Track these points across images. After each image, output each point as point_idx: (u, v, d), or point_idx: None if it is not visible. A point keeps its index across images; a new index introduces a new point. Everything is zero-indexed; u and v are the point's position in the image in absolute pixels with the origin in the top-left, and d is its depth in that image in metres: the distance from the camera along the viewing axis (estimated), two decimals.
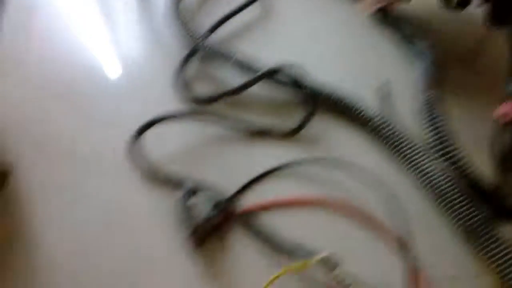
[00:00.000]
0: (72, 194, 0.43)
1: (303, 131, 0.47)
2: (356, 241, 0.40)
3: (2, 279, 0.38)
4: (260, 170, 0.44)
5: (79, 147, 0.46)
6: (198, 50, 0.51)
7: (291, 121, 0.47)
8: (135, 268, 0.39)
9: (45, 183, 0.43)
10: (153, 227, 0.41)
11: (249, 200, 0.42)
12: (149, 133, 0.45)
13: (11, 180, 0.43)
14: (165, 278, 0.38)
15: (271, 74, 0.47)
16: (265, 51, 0.52)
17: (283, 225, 0.41)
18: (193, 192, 0.40)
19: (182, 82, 0.49)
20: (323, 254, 0.37)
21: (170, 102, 0.49)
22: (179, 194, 0.41)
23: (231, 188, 0.42)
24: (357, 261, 0.38)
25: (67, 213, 0.42)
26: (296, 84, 0.47)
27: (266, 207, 0.42)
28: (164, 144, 0.45)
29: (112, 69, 0.53)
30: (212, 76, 0.52)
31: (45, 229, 0.41)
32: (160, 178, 0.43)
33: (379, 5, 0.54)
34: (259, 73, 0.47)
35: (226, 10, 0.56)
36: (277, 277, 0.36)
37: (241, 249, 0.40)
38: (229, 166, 0.45)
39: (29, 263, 0.39)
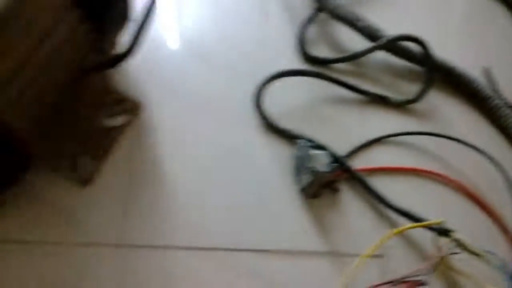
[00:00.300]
0: (195, 135, 0.46)
1: (418, 103, 0.47)
2: (463, 216, 0.41)
3: (131, 204, 0.42)
4: (372, 135, 0.45)
5: (204, 95, 0.48)
6: (322, 11, 0.52)
7: (407, 92, 0.47)
8: (250, 207, 0.42)
9: (173, 122, 0.46)
10: (269, 174, 0.43)
11: (360, 163, 0.44)
12: (271, 87, 0.47)
13: (142, 114, 0.47)
14: (276, 222, 0.41)
15: (393, 43, 0.48)
16: (386, 21, 0.52)
17: (391, 190, 0.42)
18: (310, 147, 0.42)
19: (304, 42, 0.50)
20: (435, 220, 0.38)
21: (292, 61, 0.50)
22: (296, 147, 0.43)
23: (342, 148, 0.44)
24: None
25: (190, 150, 0.45)
26: (416, 56, 0.47)
27: (376, 171, 0.43)
28: (284, 99, 0.47)
29: (239, 28, 0.55)
30: (333, 39, 0.53)
31: (171, 161, 0.44)
32: (279, 131, 0.45)
33: None
34: (381, 41, 0.47)
35: None
36: (388, 237, 0.38)
37: (352, 206, 0.42)
38: (342, 127, 0.46)
39: (155, 192, 0.43)
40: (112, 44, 0.43)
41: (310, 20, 0.52)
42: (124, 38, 0.42)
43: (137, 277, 0.39)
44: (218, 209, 0.42)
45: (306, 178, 0.40)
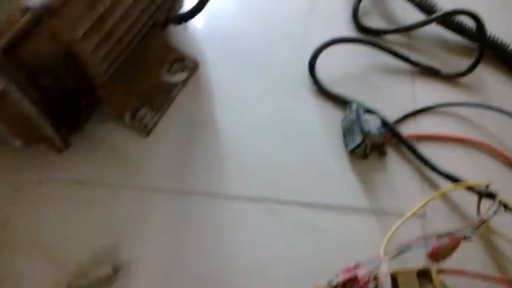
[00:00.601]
0: (250, 95, 0.48)
1: (467, 77, 0.48)
2: (506, 185, 0.42)
3: (188, 154, 0.45)
4: (421, 105, 0.47)
5: (258, 58, 0.50)
6: None
7: (457, 66, 0.49)
8: (300, 163, 0.44)
9: (229, 81, 0.49)
10: (320, 135, 0.46)
11: (408, 129, 0.45)
12: (325, 53, 0.48)
13: (200, 72, 0.49)
14: (324, 179, 0.43)
15: (448, 17, 0.49)
16: None
17: (437, 157, 0.44)
18: (362, 110, 0.44)
19: (358, 12, 0.52)
20: (478, 182, 0.39)
21: (345, 30, 0.52)
22: (348, 110, 0.45)
23: (391, 115, 0.45)
24: None
25: (244, 108, 0.47)
26: (470, 31, 0.48)
27: (424, 138, 0.45)
28: (337, 66, 0.49)
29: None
30: (387, 11, 0.54)
31: (226, 117, 0.47)
32: (331, 96, 0.47)
33: None
34: (437, 14, 0.48)
35: None
36: (433, 198, 0.40)
37: (398, 169, 0.44)
38: (392, 96, 0.48)
39: (211, 145, 0.45)
40: (181, 2, 0.46)
41: None
42: None
43: (190, 222, 0.42)
44: (269, 163, 0.44)
45: (356, 139, 0.42)
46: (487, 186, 0.39)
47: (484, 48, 0.47)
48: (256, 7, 0.54)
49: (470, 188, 0.40)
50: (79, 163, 0.44)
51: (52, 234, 0.41)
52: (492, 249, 0.40)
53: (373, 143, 0.43)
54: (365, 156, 0.43)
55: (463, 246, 0.37)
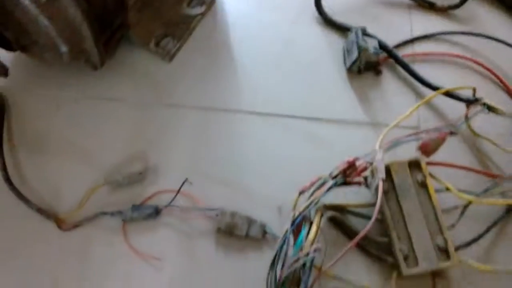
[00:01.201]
0: (261, 25, 0.53)
1: (461, 9, 0.53)
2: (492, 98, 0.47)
3: (207, 76, 0.50)
4: (417, 34, 0.51)
5: None
6: None
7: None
8: (307, 83, 0.50)
9: (242, 14, 0.54)
10: (323, 58, 0.51)
11: (404, 53, 0.50)
12: None
13: (217, 6, 0.54)
14: (327, 96, 0.49)
15: None
16: None
17: (429, 74, 0.48)
18: (362, 34, 0.48)
19: None
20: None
21: None
22: (350, 33, 0.49)
23: (389, 42, 0.50)
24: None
25: (257, 36, 0.53)
26: None
27: (418, 56, 0.50)
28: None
29: None
30: None
31: (240, 44, 0.52)
32: (334, 24, 0.52)
33: None
34: None
35: None
36: (419, 105, 0.44)
37: (391, 85, 0.49)
38: (391, 25, 0.53)
39: (227, 68, 0.51)
40: None
41: None
42: None
43: (208, 133, 0.47)
44: (279, 84, 0.50)
45: (353, 56, 0.47)
46: (474, 90, 0.43)
47: None
48: None
49: (458, 98, 0.45)
50: (111, 83, 0.49)
51: (89, 142, 0.47)
52: (476, 150, 0.45)
53: (368, 60, 0.48)
54: (359, 71, 0.48)
55: (451, 145, 0.42)
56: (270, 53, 0.51)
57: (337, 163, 0.40)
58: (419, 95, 0.48)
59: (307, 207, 0.37)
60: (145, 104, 0.49)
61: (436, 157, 0.41)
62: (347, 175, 0.39)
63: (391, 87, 0.49)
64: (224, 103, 0.49)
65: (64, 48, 0.40)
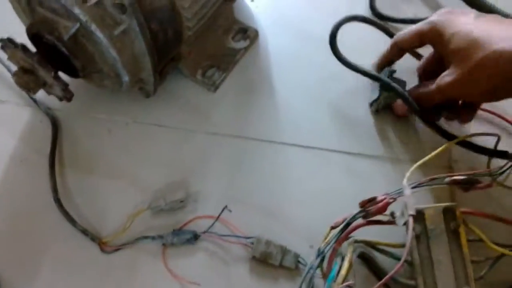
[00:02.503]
0: (300, 61, 0.56)
1: None
2: None
3: (249, 107, 0.53)
4: None
5: (304, 30, 0.58)
6: None
7: None
8: (343, 120, 0.52)
9: (282, 50, 0.57)
10: (354, 98, 0.53)
11: None
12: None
13: (260, 41, 0.57)
14: (362, 133, 0.51)
15: None
16: None
17: None
18: (389, 74, 0.49)
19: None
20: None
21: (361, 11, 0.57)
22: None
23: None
24: None
25: (295, 72, 0.55)
26: None
27: None
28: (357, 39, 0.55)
29: None
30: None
31: (280, 78, 0.55)
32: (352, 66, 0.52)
33: None
34: None
35: None
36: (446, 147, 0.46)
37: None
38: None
39: (268, 100, 0.53)
40: None
41: None
42: None
43: (247, 162, 0.50)
44: (314, 118, 0.52)
45: (375, 95, 0.50)
46: (499, 138, 0.43)
47: None
48: None
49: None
50: (160, 109, 0.53)
51: (136, 166, 0.50)
52: (507, 201, 0.46)
53: (388, 103, 0.50)
54: (377, 111, 0.51)
55: (485, 193, 0.43)
56: (307, 89, 0.54)
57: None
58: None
59: (334, 241, 0.39)
60: (189, 131, 0.52)
61: (470, 204, 0.42)
62: (368, 211, 0.40)
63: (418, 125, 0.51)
64: (264, 133, 0.51)
65: (126, 78, 0.43)
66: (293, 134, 0.51)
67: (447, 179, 0.41)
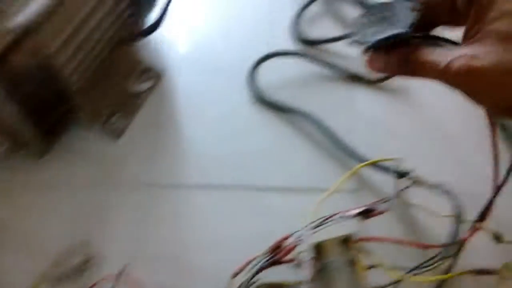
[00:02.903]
0: (205, 99, 0.56)
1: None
2: None
3: (155, 152, 0.52)
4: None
5: (215, 66, 0.58)
6: None
7: None
8: (250, 154, 0.52)
9: (189, 88, 0.56)
10: (256, 134, 0.53)
11: None
12: (265, 64, 0.56)
13: (164, 81, 0.56)
14: (270, 165, 0.51)
15: None
16: None
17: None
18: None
19: (297, 24, 0.59)
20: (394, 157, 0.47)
21: (287, 41, 0.60)
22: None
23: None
24: None
25: (200, 111, 0.55)
26: None
27: None
28: (276, 75, 0.57)
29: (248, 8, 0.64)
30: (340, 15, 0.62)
31: (186, 118, 0.54)
32: (268, 103, 0.54)
33: None
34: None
35: None
36: (352, 173, 0.47)
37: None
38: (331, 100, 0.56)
39: (175, 142, 0.53)
40: (144, 19, 0.53)
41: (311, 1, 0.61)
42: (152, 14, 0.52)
43: (157, 213, 0.48)
44: (222, 156, 0.52)
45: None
46: (399, 163, 0.46)
47: None
48: (216, 19, 0.62)
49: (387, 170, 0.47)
50: (56, 167, 0.50)
51: (33, 231, 0.47)
52: (409, 219, 0.47)
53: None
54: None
55: (384, 217, 0.44)
56: (215, 126, 0.54)
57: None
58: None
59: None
60: (90, 187, 0.49)
61: (371, 230, 0.43)
62: (275, 254, 0.40)
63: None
64: (171, 178, 0.50)
65: (5, 146, 0.41)
66: (201, 175, 0.50)
67: (342, 215, 0.42)
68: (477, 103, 0.30)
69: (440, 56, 0.29)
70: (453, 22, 0.31)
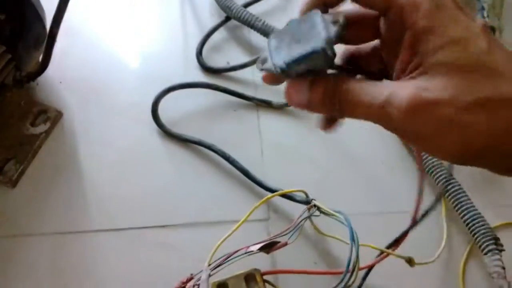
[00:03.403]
0: (108, 138, 0.54)
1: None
2: None
3: (54, 198, 0.49)
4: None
5: (116, 102, 0.56)
6: (228, 21, 0.62)
7: None
8: (153, 194, 0.50)
9: (90, 127, 0.54)
10: (163, 170, 0.52)
11: None
12: (170, 96, 0.54)
13: (63, 121, 0.54)
14: (177, 203, 0.50)
15: None
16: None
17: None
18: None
19: (201, 54, 0.59)
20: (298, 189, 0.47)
21: (193, 70, 0.59)
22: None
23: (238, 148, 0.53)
24: None
25: (102, 150, 0.53)
26: None
27: None
28: (181, 106, 0.56)
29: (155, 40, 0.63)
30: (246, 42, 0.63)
31: (87, 161, 0.52)
32: (173, 134, 0.53)
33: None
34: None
35: None
36: (258, 206, 0.47)
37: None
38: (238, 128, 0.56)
39: (75, 186, 0.50)
40: (31, 62, 0.51)
41: (214, 29, 0.61)
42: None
43: (59, 262, 0.46)
44: (128, 194, 0.50)
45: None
46: (305, 193, 0.46)
47: None
48: (115, 56, 0.60)
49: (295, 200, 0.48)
50: None
51: None
52: (320, 247, 0.48)
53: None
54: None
55: (297, 247, 0.44)
56: (118, 165, 0.52)
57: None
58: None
59: None
60: None
61: (281, 263, 0.43)
62: None
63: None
64: (72, 224, 0.48)
65: None
66: (104, 219, 0.48)
67: (244, 252, 0.41)
68: (419, 147, 0.26)
69: (375, 90, 0.24)
70: (376, 57, 0.27)
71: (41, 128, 0.53)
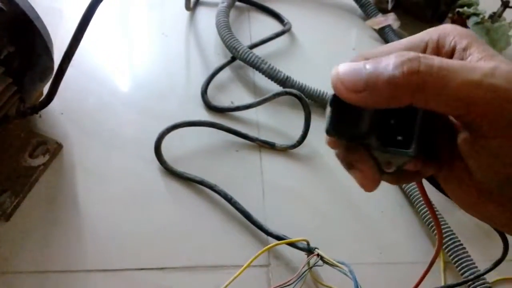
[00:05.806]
0: (105, 172, 0.53)
1: (301, 147, 0.57)
2: None
3: (49, 234, 0.48)
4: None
5: (118, 135, 0.56)
6: (234, 61, 0.62)
7: (293, 138, 0.57)
8: (153, 235, 0.49)
9: (90, 161, 0.53)
10: (166, 208, 0.51)
11: None
12: (173, 134, 0.54)
13: (63, 154, 0.53)
14: (174, 244, 0.48)
15: (277, 97, 0.57)
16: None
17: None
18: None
19: (206, 94, 0.59)
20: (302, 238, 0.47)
21: (197, 107, 0.59)
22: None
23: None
24: None
25: (102, 186, 0.51)
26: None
27: None
28: (184, 144, 0.56)
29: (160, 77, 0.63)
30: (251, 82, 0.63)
31: (86, 194, 0.51)
32: (175, 172, 0.53)
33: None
34: (267, 96, 0.57)
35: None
36: (260, 254, 0.46)
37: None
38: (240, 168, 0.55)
39: (71, 222, 0.49)
40: (35, 93, 0.50)
41: (220, 69, 0.62)
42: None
43: None
44: (126, 234, 0.49)
45: None
46: (307, 242, 0.46)
47: (309, 124, 0.56)
48: (113, 88, 0.60)
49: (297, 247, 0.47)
50: None
51: None
52: None
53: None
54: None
55: None
56: (118, 201, 0.51)
57: None
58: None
59: None
60: None
61: None
62: None
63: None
64: (67, 263, 0.46)
65: None
66: (98, 257, 0.47)
67: None
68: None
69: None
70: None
71: (40, 160, 0.51)
